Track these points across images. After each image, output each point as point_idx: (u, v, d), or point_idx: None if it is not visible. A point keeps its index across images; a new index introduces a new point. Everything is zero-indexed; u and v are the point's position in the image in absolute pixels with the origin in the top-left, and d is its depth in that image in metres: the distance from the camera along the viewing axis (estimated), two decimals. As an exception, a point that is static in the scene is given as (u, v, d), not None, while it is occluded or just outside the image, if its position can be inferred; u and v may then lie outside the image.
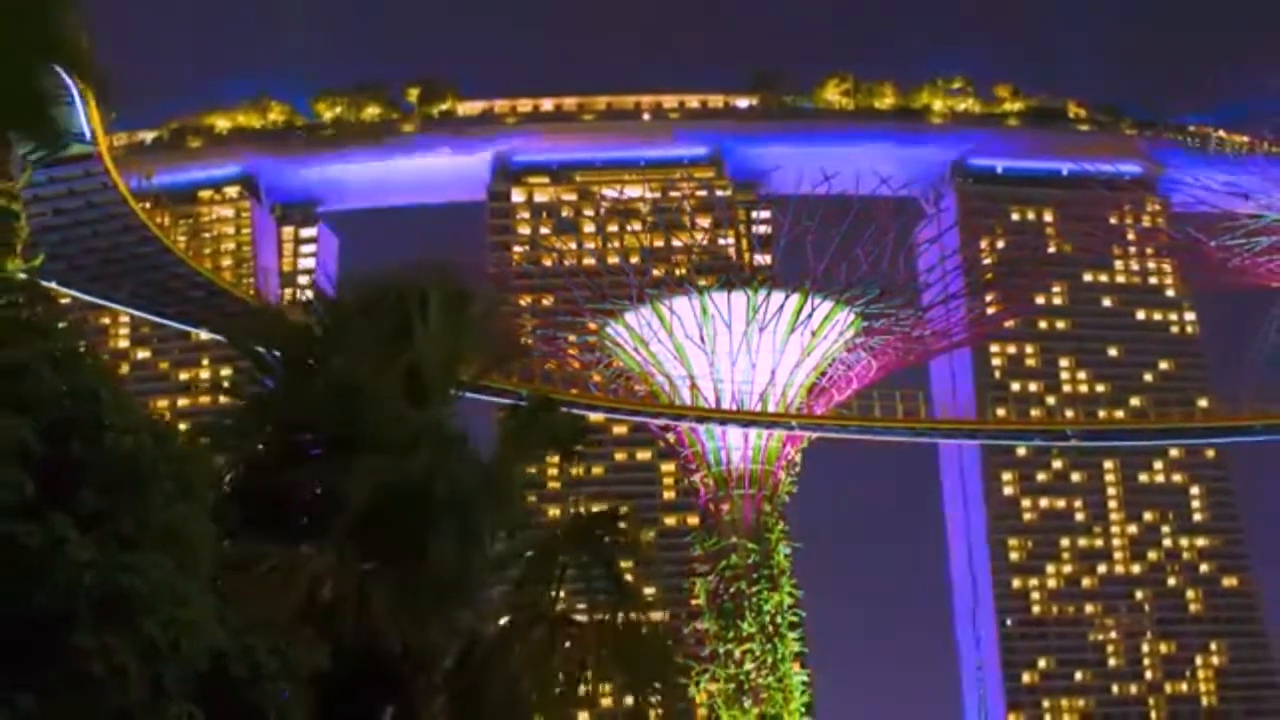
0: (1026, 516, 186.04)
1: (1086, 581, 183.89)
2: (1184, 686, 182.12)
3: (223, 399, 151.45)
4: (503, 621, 26.15)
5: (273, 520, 24.64)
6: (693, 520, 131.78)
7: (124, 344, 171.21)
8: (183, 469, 20.57)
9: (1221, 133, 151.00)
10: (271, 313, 28.33)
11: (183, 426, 26.77)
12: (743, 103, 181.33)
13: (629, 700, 26.91)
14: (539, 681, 25.51)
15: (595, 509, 28.46)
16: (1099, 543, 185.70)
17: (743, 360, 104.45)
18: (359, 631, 22.93)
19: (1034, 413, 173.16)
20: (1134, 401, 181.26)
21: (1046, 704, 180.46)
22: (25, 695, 17.33)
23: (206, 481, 22.56)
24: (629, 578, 26.51)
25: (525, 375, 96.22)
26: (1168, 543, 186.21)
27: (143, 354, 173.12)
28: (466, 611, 26.27)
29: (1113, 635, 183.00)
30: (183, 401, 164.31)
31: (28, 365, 19.00)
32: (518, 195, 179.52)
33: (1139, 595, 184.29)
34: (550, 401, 27.86)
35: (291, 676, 21.50)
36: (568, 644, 24.60)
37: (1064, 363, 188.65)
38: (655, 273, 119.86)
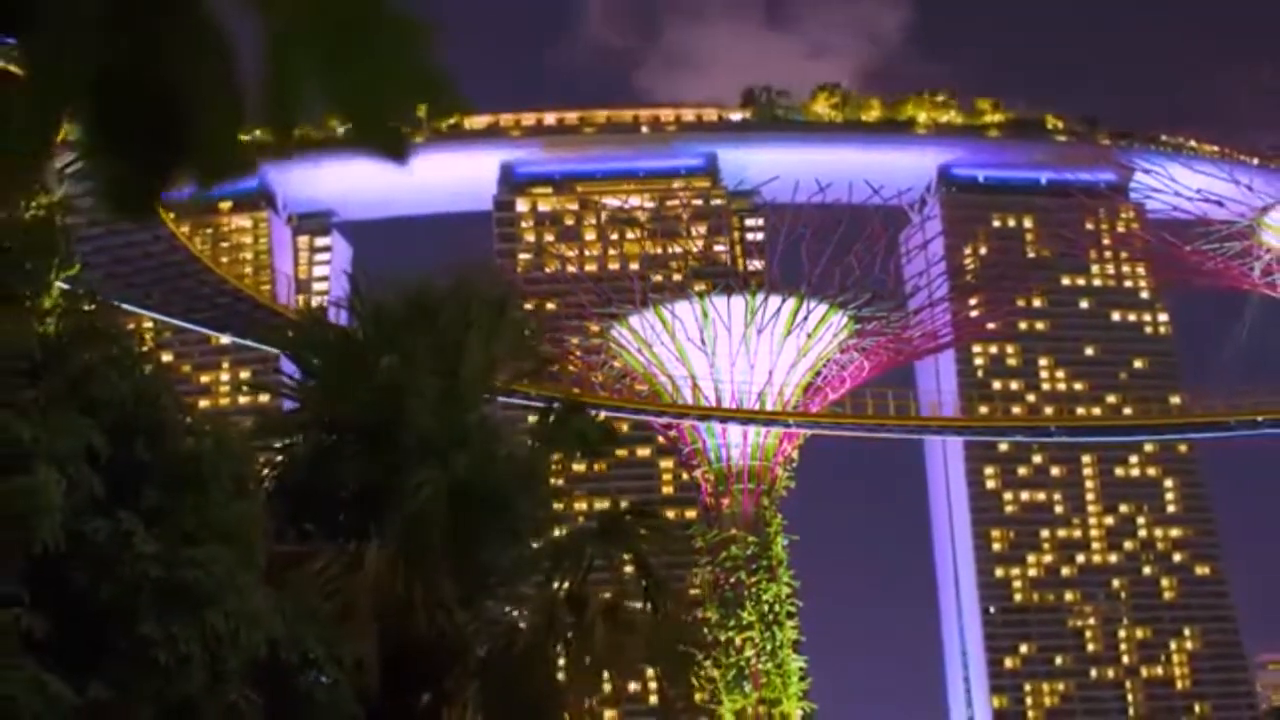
0: (1008, 509, 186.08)
1: (1066, 570, 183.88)
2: (1159, 670, 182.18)
3: (243, 400, 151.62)
4: (535, 612, 26.22)
5: (314, 516, 24.72)
6: (691, 514, 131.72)
7: (147, 348, 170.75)
8: (239, 468, 20.68)
9: (1194, 142, 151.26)
10: (317, 319, 28.31)
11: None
12: (736, 116, 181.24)
13: (634, 687, 26.93)
14: (570, 669, 25.58)
15: (614, 504, 28.55)
16: (1077, 533, 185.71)
17: (742, 361, 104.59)
18: (400, 623, 23.00)
19: (1015, 410, 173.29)
20: (1110, 399, 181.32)
21: (1028, 687, 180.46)
22: (96, 683, 17.40)
23: (261, 480, 22.68)
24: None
25: (539, 378, 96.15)
26: (1143, 533, 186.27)
27: (166, 357, 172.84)
28: (502, 603, 26.36)
29: (1091, 622, 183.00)
30: (204, 403, 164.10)
31: (94, 370, 19.08)
32: (522, 205, 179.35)
33: (1116, 583, 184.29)
34: (580, 405, 27.92)
35: (339, 665, 21.61)
36: (599, 634, 24.65)
37: (1043, 362, 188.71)
38: (655, 278, 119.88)
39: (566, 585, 26.01)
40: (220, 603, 18.39)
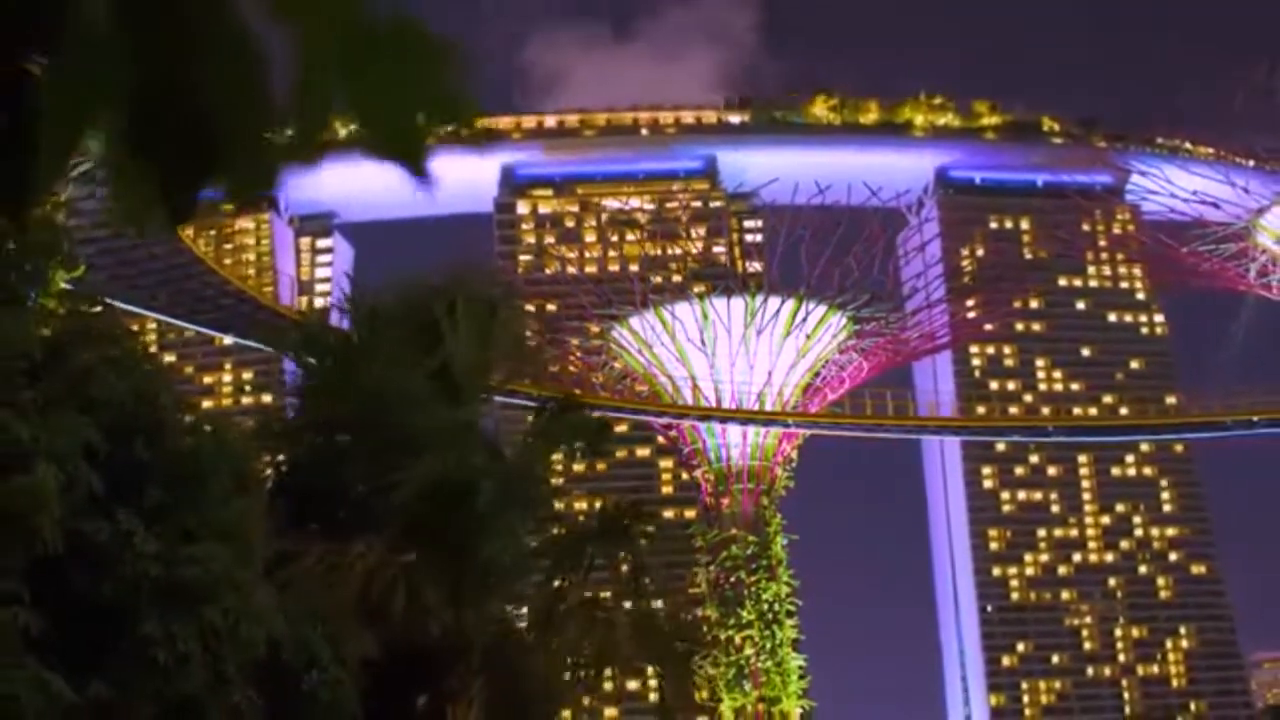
0: (1005, 508, 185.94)
1: (1062, 570, 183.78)
2: (1155, 668, 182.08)
3: (245, 400, 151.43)
4: (535, 610, 26.09)
5: (316, 515, 24.60)
6: (689, 514, 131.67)
7: (151, 349, 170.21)
8: (238, 467, 20.59)
9: (1189, 144, 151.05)
10: (316, 323, 28.22)
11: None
12: (735, 118, 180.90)
13: (633, 685, 26.81)
14: (570, 667, 25.45)
15: (613, 504, 28.40)
16: (1074, 533, 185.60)
17: (741, 362, 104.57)
18: (402, 621, 22.87)
19: (1012, 410, 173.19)
20: (1106, 399, 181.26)
21: (1025, 685, 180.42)
22: (97, 682, 17.29)
23: (261, 478, 22.58)
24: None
25: (534, 378, 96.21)
26: (1139, 532, 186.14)
27: (168, 359, 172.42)
28: (501, 601, 26.23)
29: (1087, 620, 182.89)
30: (206, 404, 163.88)
31: (93, 370, 18.99)
32: (523, 207, 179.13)
33: (1112, 582, 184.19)
34: (576, 403, 27.82)
35: (342, 663, 21.50)
36: (598, 632, 24.54)
37: (1040, 362, 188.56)
38: (655, 279, 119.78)
39: (566, 583, 25.90)
40: (219, 600, 18.30)
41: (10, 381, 17.71)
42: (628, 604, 26.15)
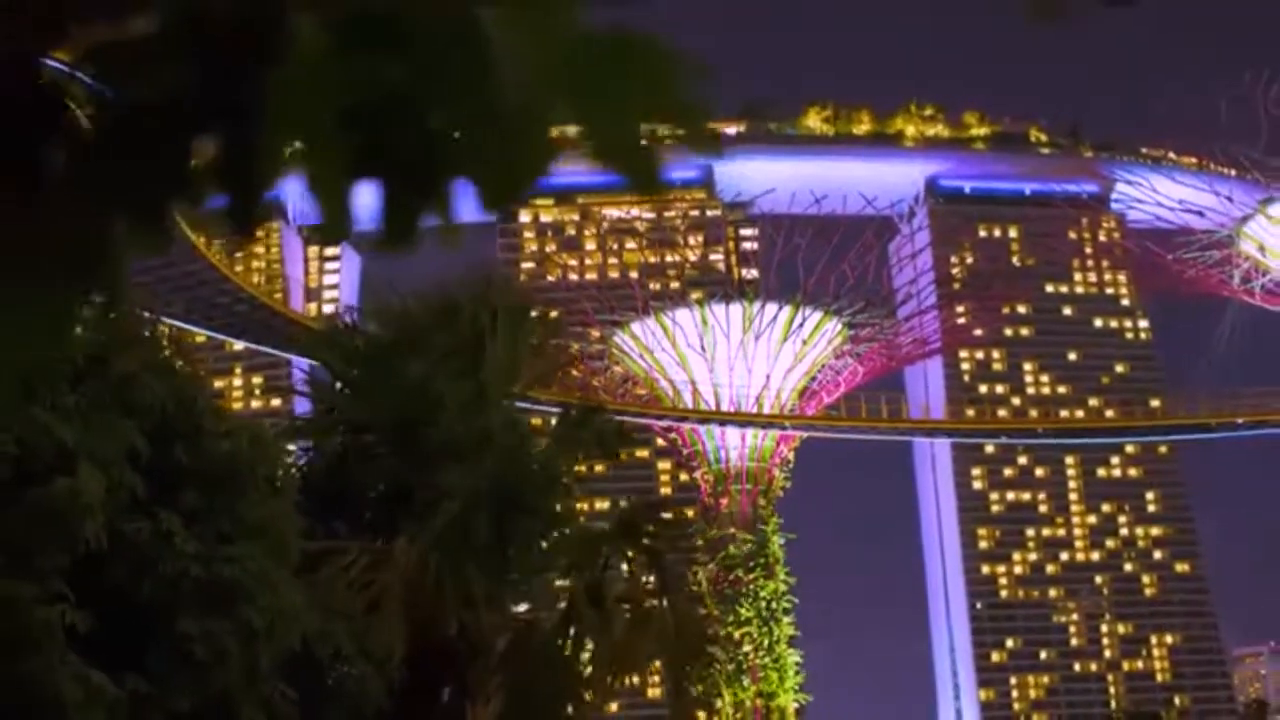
0: (994, 508, 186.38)
1: (1050, 568, 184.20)
2: (1140, 664, 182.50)
3: (255, 404, 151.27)
4: (554, 608, 26.14)
5: (344, 514, 24.69)
6: (689, 514, 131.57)
7: (166, 353, 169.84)
8: (271, 469, 20.67)
9: (1173, 154, 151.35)
10: (344, 326, 28.27)
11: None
12: (731, 129, 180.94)
13: (632, 680, 26.85)
14: (589, 664, 25.52)
15: (627, 503, 28.43)
16: (1061, 532, 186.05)
17: (740, 366, 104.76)
18: (425, 618, 22.95)
19: (1001, 413, 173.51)
20: (1093, 402, 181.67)
21: (1014, 680, 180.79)
22: (136, 676, 17.36)
23: (292, 480, 22.62)
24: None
25: (555, 381, 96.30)
26: (1124, 532, 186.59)
27: (179, 363, 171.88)
28: (522, 599, 26.30)
29: (1074, 617, 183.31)
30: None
31: (135, 375, 19.04)
32: (524, 216, 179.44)
33: (1098, 580, 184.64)
34: (598, 408, 27.87)
35: (369, 659, 21.59)
36: (618, 628, 24.58)
37: (1028, 366, 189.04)
38: (653, 286, 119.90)
39: (585, 582, 25.96)
40: (256, 599, 18.36)
41: (54, 386, 17.78)
42: (652, 602, 26.20)
